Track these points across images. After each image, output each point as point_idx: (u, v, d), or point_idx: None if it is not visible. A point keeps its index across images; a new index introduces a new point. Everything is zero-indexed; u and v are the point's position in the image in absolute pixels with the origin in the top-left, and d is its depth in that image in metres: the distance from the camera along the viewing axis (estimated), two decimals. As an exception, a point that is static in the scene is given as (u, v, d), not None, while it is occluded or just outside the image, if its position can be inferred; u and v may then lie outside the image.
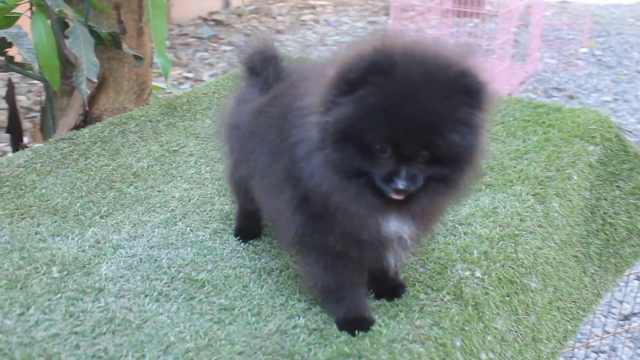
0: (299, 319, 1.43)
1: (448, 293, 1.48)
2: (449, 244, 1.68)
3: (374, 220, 1.27)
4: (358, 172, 1.20)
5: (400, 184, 1.18)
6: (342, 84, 1.17)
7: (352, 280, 1.39)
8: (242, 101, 1.57)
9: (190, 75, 6.21)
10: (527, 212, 1.80)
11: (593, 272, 2.07)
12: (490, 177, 2.00)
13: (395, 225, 1.29)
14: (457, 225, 1.76)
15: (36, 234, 1.74)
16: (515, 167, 2.05)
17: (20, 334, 1.37)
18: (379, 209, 1.25)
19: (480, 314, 1.49)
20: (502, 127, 2.33)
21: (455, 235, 1.72)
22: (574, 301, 1.95)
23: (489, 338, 1.50)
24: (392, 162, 1.18)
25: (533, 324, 1.70)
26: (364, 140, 1.17)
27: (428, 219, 1.35)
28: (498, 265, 1.60)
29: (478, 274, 1.55)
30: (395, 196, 1.21)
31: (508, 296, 1.61)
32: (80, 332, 1.39)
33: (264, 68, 1.53)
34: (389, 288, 1.50)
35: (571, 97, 5.93)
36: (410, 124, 1.15)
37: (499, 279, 1.58)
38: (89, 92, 2.54)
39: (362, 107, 1.15)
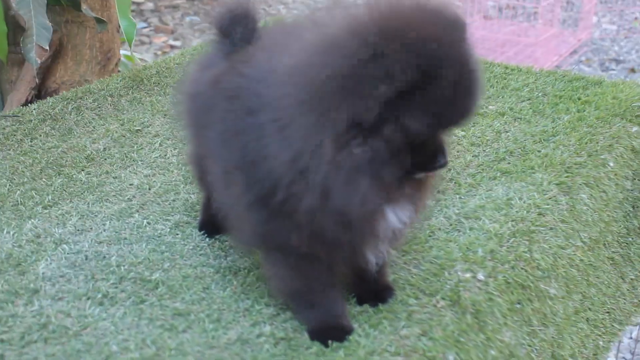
0: (264, 326, 1.45)
1: (443, 298, 1.50)
2: (450, 240, 1.69)
3: (378, 214, 1.30)
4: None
5: (444, 158, 1.27)
6: (397, 97, 1.17)
7: (324, 282, 1.41)
8: (205, 67, 1.58)
9: (177, 43, 6.26)
10: (547, 205, 1.81)
11: (633, 277, 2.08)
12: (509, 162, 2.02)
13: (397, 215, 1.32)
14: (462, 219, 1.77)
15: (-34, 226, 1.78)
16: (539, 151, 2.06)
17: (-62, 341, 1.41)
18: (386, 199, 1.29)
19: (482, 323, 1.50)
20: (528, 104, 2.33)
21: (459, 231, 1.73)
22: (607, 312, 1.96)
23: (492, 352, 1.51)
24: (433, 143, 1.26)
25: (553, 337, 1.71)
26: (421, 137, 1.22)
27: (424, 198, 1.40)
28: (507, 266, 1.62)
29: (481, 276, 1.56)
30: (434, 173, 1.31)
31: (519, 303, 1.62)
32: (7, 339, 1.42)
33: (232, 28, 1.54)
34: (374, 291, 1.52)
35: (633, 71, 5.90)
36: (466, 110, 1.24)
37: (507, 282, 1.60)
38: (39, 61, 2.58)
39: (430, 111, 1.19)
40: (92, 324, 1.47)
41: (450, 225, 1.76)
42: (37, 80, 2.77)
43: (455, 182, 1.94)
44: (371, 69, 1.13)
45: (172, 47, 6.17)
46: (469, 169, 2.00)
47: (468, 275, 1.56)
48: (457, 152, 2.09)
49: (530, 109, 2.31)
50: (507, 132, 2.18)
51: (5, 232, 1.76)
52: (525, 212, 1.77)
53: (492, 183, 1.92)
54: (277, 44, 1.37)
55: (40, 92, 2.86)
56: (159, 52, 5.96)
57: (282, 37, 1.39)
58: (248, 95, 1.32)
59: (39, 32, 2.46)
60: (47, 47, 2.45)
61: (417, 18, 1.19)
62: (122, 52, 3.09)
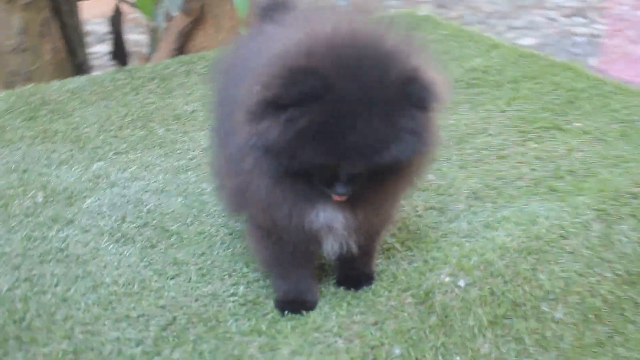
0: (240, 287, 1.59)
1: (412, 295, 1.55)
2: (455, 245, 1.72)
3: (298, 209, 1.37)
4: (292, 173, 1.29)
5: (340, 189, 1.28)
6: (269, 106, 1.23)
7: (293, 260, 1.51)
8: (235, 49, 1.72)
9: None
10: (574, 229, 1.77)
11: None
12: (564, 182, 1.98)
13: (325, 215, 1.38)
14: (481, 228, 1.79)
15: (46, 159, 2.07)
16: (600, 174, 2.00)
17: (-25, 246, 1.68)
18: (307, 198, 1.35)
19: (448, 328, 1.54)
20: (619, 127, 2.26)
21: (471, 238, 1.76)
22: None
23: (457, 359, 1.54)
24: (331, 171, 1.28)
25: (555, 363, 1.70)
26: (300, 160, 1.24)
27: (376, 205, 1.42)
28: (499, 280, 1.63)
29: (461, 282, 1.59)
30: (337, 199, 1.31)
31: (508, 318, 1.63)
32: (28, 256, 1.67)
33: (267, 12, 1.66)
34: (352, 277, 1.60)
35: None
36: (349, 149, 1.22)
37: (493, 294, 1.61)
38: (164, 25, 2.84)
39: (293, 132, 1.22)
40: (100, 257, 1.68)
41: (468, 231, 1.79)
42: (176, 43, 3.05)
43: (497, 192, 1.95)
44: (273, 93, 1.21)
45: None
46: (518, 182, 1.99)
47: (448, 279, 1.59)
48: (517, 162, 2.08)
49: (619, 132, 2.23)
50: (580, 151, 2.14)
51: (74, 168, 2.03)
52: (545, 231, 1.76)
53: (532, 198, 1.91)
54: (273, 33, 1.47)
55: (181, 54, 3.14)
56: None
57: (277, 28, 1.47)
58: (234, 71, 1.45)
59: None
60: (174, 14, 2.70)
61: (325, 45, 1.24)
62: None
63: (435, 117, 1.30)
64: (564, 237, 1.76)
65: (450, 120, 2.33)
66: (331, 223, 1.39)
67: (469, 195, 1.94)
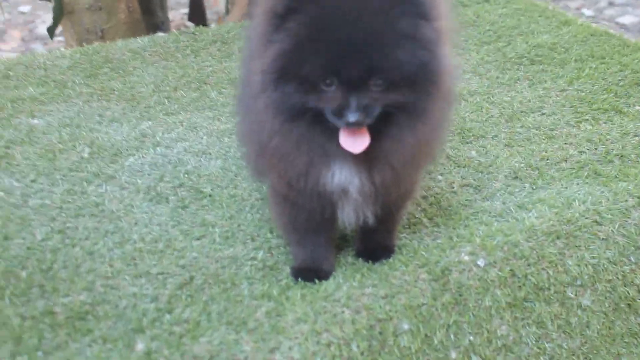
0: (260, 252, 1.62)
1: (428, 272, 1.55)
2: (484, 224, 1.71)
3: (314, 168, 1.38)
4: (303, 110, 1.31)
5: (352, 117, 1.27)
6: (272, 19, 1.29)
7: (310, 227, 1.53)
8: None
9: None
10: (610, 214, 1.72)
11: None
12: (612, 167, 1.92)
13: (341, 176, 1.39)
14: (514, 208, 1.76)
15: (99, 115, 2.15)
16: (652, 160, 1.93)
17: (18, 197, 1.77)
18: (323, 154, 1.36)
19: (462, 306, 1.53)
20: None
21: (501, 218, 1.73)
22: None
23: (470, 338, 1.54)
24: (340, 95, 1.28)
25: (580, 349, 1.67)
26: (304, 73, 1.28)
27: (395, 167, 1.40)
28: (522, 262, 1.60)
29: (480, 262, 1.57)
30: (346, 135, 1.31)
31: (529, 301, 1.61)
32: (65, 208, 1.75)
33: None
34: (371, 249, 1.61)
35: None
36: (346, 45, 1.25)
37: (515, 276, 1.59)
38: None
39: (295, 38, 1.27)
40: (132, 214, 1.74)
41: (500, 211, 1.76)
42: (248, 8, 3.08)
43: (538, 172, 1.91)
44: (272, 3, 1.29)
45: None
46: (563, 163, 1.94)
47: (467, 258, 1.58)
48: (566, 144, 2.03)
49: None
50: (636, 135, 2.06)
51: (123, 126, 2.10)
52: (578, 215, 1.71)
53: (573, 181, 1.86)
54: None
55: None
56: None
57: None
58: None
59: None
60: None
61: None
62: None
63: (439, 32, 1.29)
64: (598, 223, 1.71)
65: (505, 97, 2.28)
66: (346, 186, 1.40)
67: (509, 175, 1.91)
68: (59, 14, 2.78)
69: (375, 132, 1.32)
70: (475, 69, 2.44)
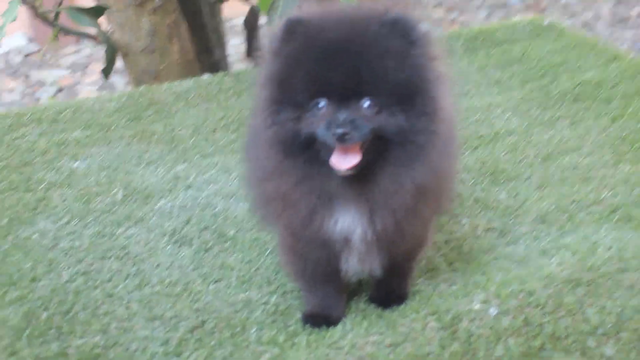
0: (274, 296, 1.65)
1: (437, 319, 1.54)
2: (503, 270, 1.69)
3: (317, 214, 1.41)
4: (298, 142, 1.34)
5: (339, 129, 1.28)
6: (271, 56, 1.35)
7: (318, 275, 1.54)
8: None
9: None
10: (637, 260, 1.68)
11: None
12: (642, 209, 1.88)
13: (344, 224, 1.41)
14: (535, 254, 1.74)
15: (137, 158, 2.22)
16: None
17: (50, 239, 1.85)
18: (324, 195, 1.38)
19: (471, 356, 1.51)
20: None
21: (521, 265, 1.71)
22: None
23: (482, 390, 1.52)
24: (330, 112, 1.32)
25: (605, 402, 1.62)
26: (295, 95, 1.32)
27: (396, 212, 1.40)
28: (537, 310, 1.58)
29: (492, 310, 1.56)
30: (339, 161, 1.30)
31: (546, 350, 1.58)
32: (92, 250, 1.82)
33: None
34: (383, 295, 1.61)
35: None
36: (334, 62, 1.30)
37: (529, 325, 1.56)
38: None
39: (286, 62, 1.33)
40: (156, 256, 1.80)
41: (521, 257, 1.74)
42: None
43: (568, 216, 1.88)
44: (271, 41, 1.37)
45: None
46: (594, 206, 1.91)
47: (478, 306, 1.56)
48: (601, 186, 1.99)
49: None
50: (681, 178, 2.01)
51: (159, 168, 2.17)
52: (602, 262, 1.67)
53: (602, 226, 1.82)
54: None
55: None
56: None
57: None
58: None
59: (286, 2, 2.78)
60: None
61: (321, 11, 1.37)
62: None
63: (427, 59, 1.33)
64: (622, 270, 1.67)
65: (544, 136, 2.25)
66: (349, 234, 1.41)
67: (536, 218, 1.89)
68: (112, 56, 2.89)
69: (373, 171, 1.34)
70: (516, 108, 2.42)
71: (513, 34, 2.91)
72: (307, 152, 1.35)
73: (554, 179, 2.05)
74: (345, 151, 1.30)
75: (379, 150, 1.32)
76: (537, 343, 1.56)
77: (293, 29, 1.32)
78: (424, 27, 1.33)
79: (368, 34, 1.30)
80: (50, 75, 4.58)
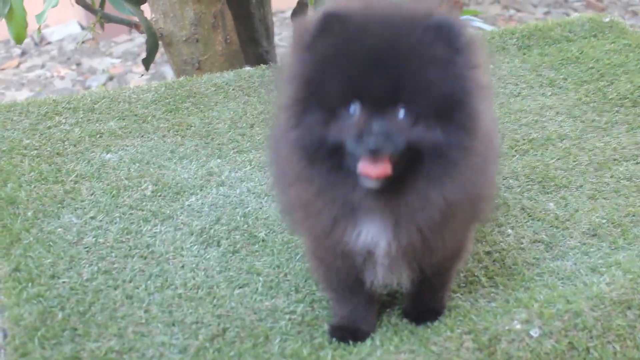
0: (301, 305, 1.56)
1: (474, 339, 1.43)
2: (548, 287, 1.58)
3: (339, 224, 1.32)
4: (324, 149, 1.25)
5: (372, 142, 1.18)
6: (300, 50, 1.25)
7: (346, 286, 1.45)
8: None
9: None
10: (696, 283, 1.54)
11: None
12: None
13: (367, 236, 1.32)
14: (585, 271, 1.62)
15: (171, 152, 2.15)
16: None
17: (74, 234, 1.79)
18: (348, 205, 1.29)
19: (510, 379, 1.40)
20: None
21: (568, 281, 1.60)
22: None
23: (520, 415, 1.41)
24: (363, 120, 1.21)
25: None
26: (326, 96, 1.22)
27: (422, 229, 1.31)
28: (583, 334, 1.46)
29: (534, 332, 1.44)
30: (368, 167, 1.20)
31: (591, 377, 1.46)
32: (116, 248, 1.75)
33: None
34: (416, 310, 1.51)
35: None
36: (371, 63, 1.20)
37: (574, 349, 1.44)
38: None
39: (319, 60, 1.23)
40: (181, 257, 1.72)
41: (569, 273, 1.63)
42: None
43: (621, 230, 1.75)
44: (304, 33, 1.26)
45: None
46: (651, 221, 1.77)
47: (519, 326, 1.45)
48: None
49: None
50: None
51: (192, 163, 2.09)
52: (656, 282, 1.55)
53: (656, 243, 1.69)
54: None
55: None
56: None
57: None
58: None
59: (333, -4, 2.70)
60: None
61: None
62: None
63: (471, 68, 1.23)
64: (680, 293, 1.53)
65: (598, 142, 2.12)
66: (372, 247, 1.32)
67: (587, 231, 1.76)
68: (154, 46, 2.82)
69: (400, 184, 1.24)
70: (570, 111, 2.28)
71: (570, 32, 2.75)
72: (331, 159, 1.25)
73: (608, 188, 1.91)
74: (375, 160, 1.20)
75: (409, 163, 1.22)
76: (581, 368, 1.44)
77: (330, 24, 1.22)
78: (469, 32, 1.23)
79: (411, 39, 1.20)
80: (101, 63, 4.57)
